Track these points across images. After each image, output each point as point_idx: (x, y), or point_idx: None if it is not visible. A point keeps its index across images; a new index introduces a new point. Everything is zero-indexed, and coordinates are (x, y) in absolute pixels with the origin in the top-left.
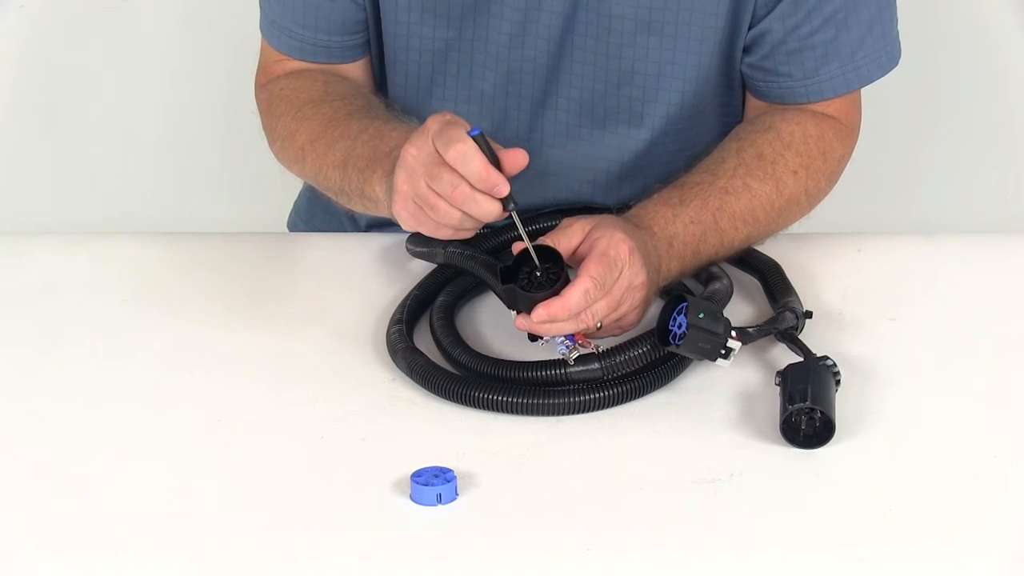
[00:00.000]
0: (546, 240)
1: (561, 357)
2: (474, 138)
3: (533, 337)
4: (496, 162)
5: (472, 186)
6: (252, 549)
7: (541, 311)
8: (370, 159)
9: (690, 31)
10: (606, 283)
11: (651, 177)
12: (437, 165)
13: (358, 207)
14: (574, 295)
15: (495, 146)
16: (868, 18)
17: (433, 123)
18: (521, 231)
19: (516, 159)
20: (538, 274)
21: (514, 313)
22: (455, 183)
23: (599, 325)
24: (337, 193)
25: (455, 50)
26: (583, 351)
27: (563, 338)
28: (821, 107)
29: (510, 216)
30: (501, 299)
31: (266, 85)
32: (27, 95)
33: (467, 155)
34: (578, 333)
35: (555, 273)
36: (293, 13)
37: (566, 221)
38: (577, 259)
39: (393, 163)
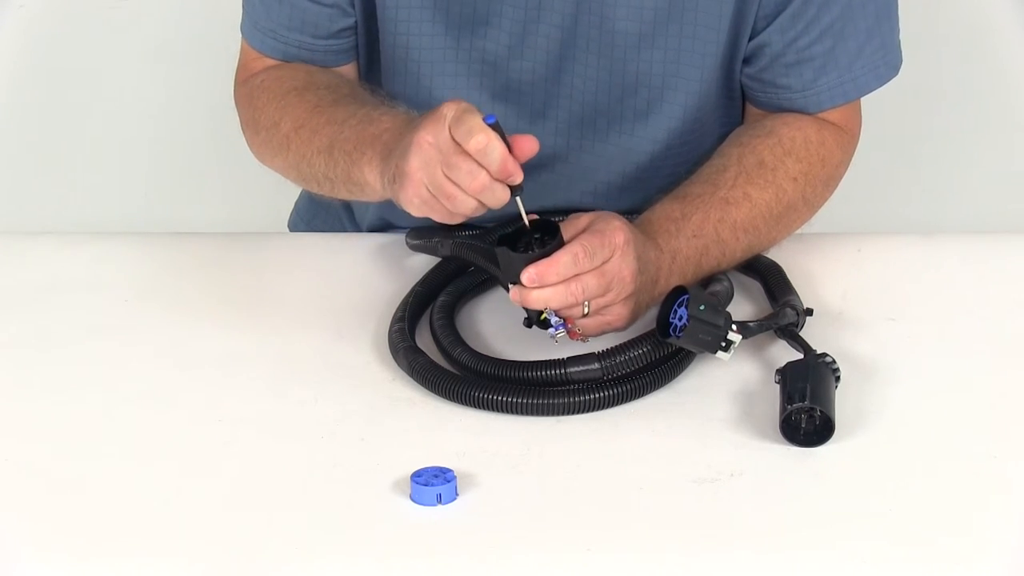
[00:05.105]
0: None
1: (551, 337)
2: (491, 126)
3: (528, 323)
4: (508, 150)
5: (491, 175)
6: (252, 549)
7: (531, 271)
8: (357, 142)
9: (693, 45)
10: (596, 256)
11: (653, 188)
12: (455, 154)
13: (342, 193)
14: (563, 256)
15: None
16: (866, 28)
17: (449, 110)
18: (523, 214)
19: (529, 144)
20: (535, 249)
21: (511, 297)
22: (475, 173)
23: (586, 310)
24: (320, 180)
25: (452, 60)
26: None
27: (555, 316)
28: (821, 114)
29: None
30: (501, 283)
31: (246, 81)
32: (27, 95)
33: (490, 145)
34: (569, 316)
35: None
36: (279, 16)
37: (573, 215)
38: None
39: (383, 146)
